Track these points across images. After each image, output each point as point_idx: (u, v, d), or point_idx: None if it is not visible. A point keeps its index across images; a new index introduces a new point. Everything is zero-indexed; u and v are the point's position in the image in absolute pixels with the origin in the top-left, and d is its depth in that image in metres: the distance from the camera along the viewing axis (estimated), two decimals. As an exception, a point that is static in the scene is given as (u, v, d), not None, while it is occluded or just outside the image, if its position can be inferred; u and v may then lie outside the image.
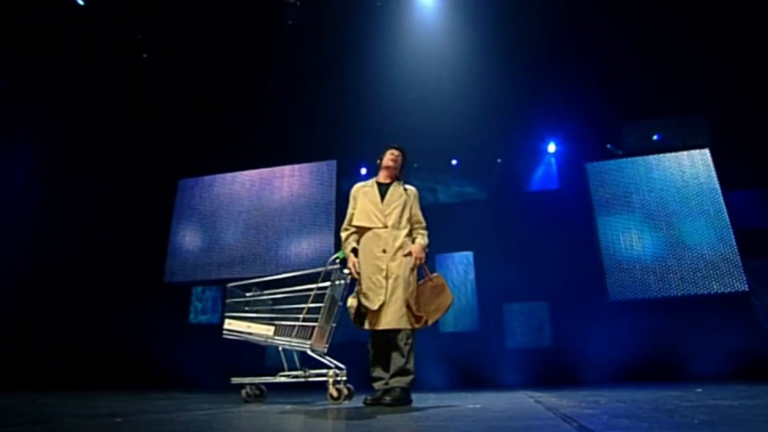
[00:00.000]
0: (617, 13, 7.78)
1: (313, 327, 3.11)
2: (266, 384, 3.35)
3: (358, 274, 3.00)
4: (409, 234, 3.08)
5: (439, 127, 8.58)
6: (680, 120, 8.08)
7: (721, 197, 7.31)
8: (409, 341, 2.86)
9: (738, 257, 7.01)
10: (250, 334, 3.21)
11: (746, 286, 6.91)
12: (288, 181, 7.71)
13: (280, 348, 3.19)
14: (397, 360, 2.84)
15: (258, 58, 7.59)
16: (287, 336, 3.14)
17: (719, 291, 6.99)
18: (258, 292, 3.33)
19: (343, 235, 3.21)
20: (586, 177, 8.09)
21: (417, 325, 2.86)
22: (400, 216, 3.06)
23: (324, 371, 3.06)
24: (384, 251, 2.96)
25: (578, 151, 8.68)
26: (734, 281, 6.96)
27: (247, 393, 3.24)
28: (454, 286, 8.48)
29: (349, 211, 3.24)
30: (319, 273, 3.21)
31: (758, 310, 7.09)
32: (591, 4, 7.74)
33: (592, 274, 7.71)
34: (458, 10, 8.26)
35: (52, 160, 7.36)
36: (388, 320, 2.81)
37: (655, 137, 8.48)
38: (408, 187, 3.23)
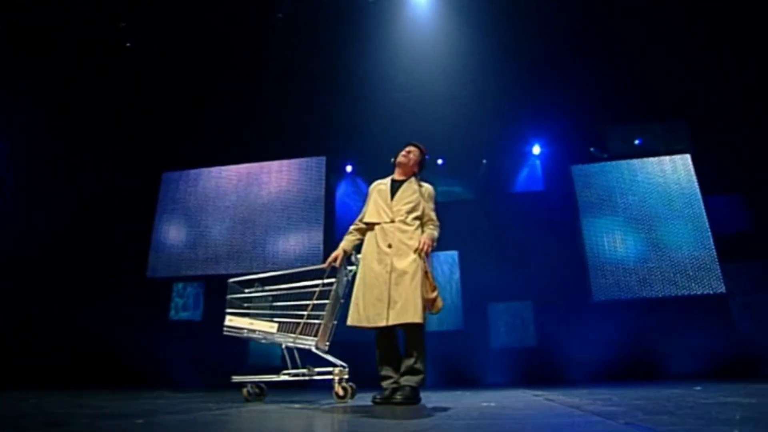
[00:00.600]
0: (604, 18, 7.92)
1: (319, 324, 3.05)
2: (265, 382, 3.27)
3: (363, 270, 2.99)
4: (419, 230, 3.03)
5: (426, 126, 8.57)
6: (662, 125, 8.29)
7: (701, 202, 7.52)
8: (420, 339, 2.82)
9: (716, 260, 7.22)
10: (252, 331, 3.12)
11: (723, 288, 7.12)
12: (276, 177, 7.58)
13: (284, 346, 3.11)
14: (407, 359, 2.82)
15: (248, 51, 7.46)
16: (291, 333, 3.06)
17: (698, 292, 7.19)
18: (259, 288, 3.25)
19: (352, 228, 3.20)
20: (572, 179, 8.21)
21: (433, 295, 2.82)
22: (409, 212, 3.01)
23: (329, 369, 3.00)
24: (390, 246, 2.92)
25: (563, 154, 8.81)
26: (712, 283, 7.17)
27: (248, 392, 3.16)
28: (439, 284, 8.51)
29: (363, 208, 3.23)
30: (323, 269, 3.15)
31: (734, 312, 7.33)
32: (579, 9, 7.86)
33: (575, 274, 7.84)
34: (450, 11, 8.29)
35: (29, 151, 7.07)
36: (393, 316, 2.75)
37: (636, 141, 8.68)
38: (424, 184, 3.18)
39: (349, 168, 8.75)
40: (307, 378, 3.03)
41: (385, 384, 2.88)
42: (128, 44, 7.94)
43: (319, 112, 7.82)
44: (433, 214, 3.11)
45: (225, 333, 3.18)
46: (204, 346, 8.35)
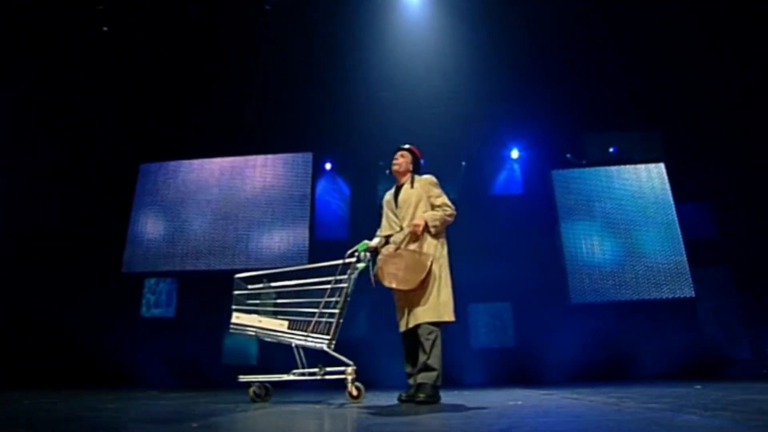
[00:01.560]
0: (587, 29, 8.14)
1: (332, 322, 2.99)
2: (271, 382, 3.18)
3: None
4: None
5: (407, 126, 8.58)
6: (639, 134, 8.60)
7: (674, 209, 7.83)
8: (431, 337, 2.85)
9: (686, 266, 7.53)
10: (260, 329, 3.02)
11: (693, 292, 7.44)
12: (261, 172, 7.40)
13: (294, 344, 3.03)
14: (420, 356, 2.86)
15: (235, 42, 7.25)
16: (302, 331, 2.99)
17: (669, 296, 7.48)
18: (268, 285, 3.15)
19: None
20: (552, 183, 8.38)
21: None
22: (414, 214, 3.05)
23: (342, 368, 2.94)
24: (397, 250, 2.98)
25: (541, 158, 8.99)
26: (683, 288, 7.47)
27: (254, 392, 3.05)
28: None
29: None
30: (333, 266, 3.11)
31: (701, 315, 7.67)
32: (564, 18, 8.05)
33: (554, 277, 8.00)
34: (437, 14, 8.35)
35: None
36: (408, 321, 2.92)
37: (611, 149, 8.96)
38: (419, 178, 3.19)
39: (328, 165, 8.64)
40: (318, 378, 2.95)
41: (408, 381, 2.98)
42: (105, 28, 7.59)
43: (308, 108, 7.70)
44: (441, 201, 3.10)
45: (231, 331, 3.06)
46: (177, 344, 8.12)
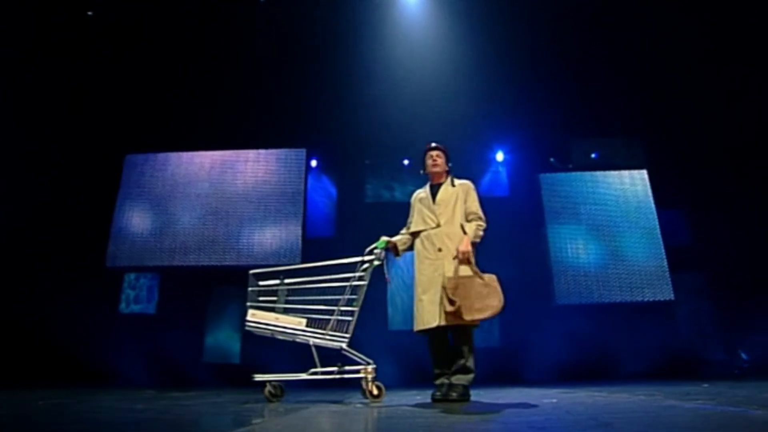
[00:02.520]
0: (576, 36, 8.33)
1: (350, 321, 2.96)
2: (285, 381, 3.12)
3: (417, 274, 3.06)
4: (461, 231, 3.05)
5: (393, 125, 8.60)
6: (622, 141, 8.84)
7: (655, 215, 8.08)
8: (468, 341, 2.90)
9: (667, 270, 7.79)
10: (277, 326, 2.96)
11: (672, 295, 7.70)
12: (252, 167, 7.27)
13: (312, 343, 2.98)
14: (457, 359, 2.89)
15: (229, 33, 7.10)
16: (320, 329, 2.95)
17: (650, 299, 7.72)
18: (285, 281, 3.10)
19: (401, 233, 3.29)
20: (539, 186, 8.53)
21: (449, 308, 2.78)
22: (453, 212, 3.06)
23: (360, 367, 2.92)
24: (440, 249, 2.98)
25: (526, 162, 9.14)
26: (663, 291, 7.73)
27: (270, 391, 2.99)
28: (404, 284, 8.56)
29: (408, 219, 3.33)
30: (351, 264, 3.09)
31: (679, 318, 7.95)
32: (551, 21, 8.22)
33: (539, 278, 8.14)
34: (430, 15, 8.40)
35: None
36: (445, 318, 2.83)
37: (593, 155, 9.19)
38: (459, 181, 3.24)
39: (314, 162, 8.56)
40: (336, 377, 2.92)
41: (438, 382, 2.98)
42: (90, 12, 7.33)
43: (302, 103, 7.61)
44: (475, 206, 3.17)
45: (247, 328, 2.99)
46: (156, 341, 7.92)
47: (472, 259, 2.94)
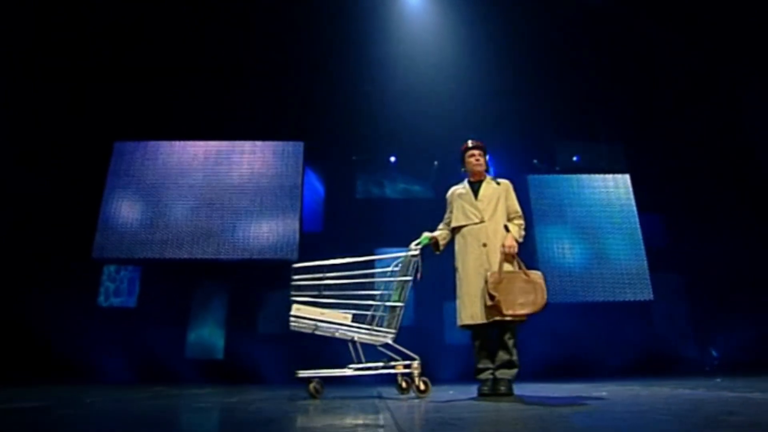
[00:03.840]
0: (565, 42, 8.58)
1: (397, 316, 2.95)
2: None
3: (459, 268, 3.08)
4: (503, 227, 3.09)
5: (382, 121, 8.62)
6: (607, 146, 9.16)
7: (637, 217, 8.42)
8: (514, 335, 2.94)
9: (647, 271, 8.13)
10: (323, 322, 2.90)
11: (652, 296, 8.05)
12: (248, 158, 7.08)
13: (356, 338, 2.95)
14: (502, 354, 2.93)
15: (227, 21, 6.88)
16: (366, 324, 2.92)
17: (632, 299, 8.04)
18: (329, 275, 3.04)
19: (440, 228, 3.34)
20: (527, 187, 8.72)
21: (489, 303, 2.81)
22: (495, 209, 3.09)
23: (408, 362, 2.92)
24: (484, 245, 2.99)
25: (512, 163, 9.32)
26: (643, 291, 8.06)
27: (315, 387, 2.92)
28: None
29: (446, 215, 3.34)
30: (395, 258, 3.09)
31: (656, 318, 8.33)
32: (542, 29, 8.43)
33: (526, 277, 8.31)
34: (423, 16, 8.46)
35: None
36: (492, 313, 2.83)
37: (575, 158, 9.49)
38: (501, 180, 3.25)
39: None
40: (381, 372, 2.90)
41: (482, 376, 2.97)
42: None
43: (300, 95, 7.48)
44: (516, 206, 3.21)
45: (292, 324, 2.91)
46: (138, 336, 7.66)
47: (516, 256, 2.98)
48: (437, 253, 3.27)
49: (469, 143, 3.37)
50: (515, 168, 9.10)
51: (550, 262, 8.23)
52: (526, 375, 7.13)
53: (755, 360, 7.31)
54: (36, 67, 6.49)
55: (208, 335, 8.37)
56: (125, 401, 2.85)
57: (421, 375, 2.90)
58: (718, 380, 3.74)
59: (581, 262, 8.25)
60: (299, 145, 7.31)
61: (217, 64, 7.37)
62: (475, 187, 3.23)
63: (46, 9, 6.51)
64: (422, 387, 2.88)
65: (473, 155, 3.30)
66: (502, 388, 2.83)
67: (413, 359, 2.92)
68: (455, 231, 3.19)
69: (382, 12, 8.16)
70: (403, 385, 3.18)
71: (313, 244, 7.83)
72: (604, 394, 2.74)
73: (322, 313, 2.92)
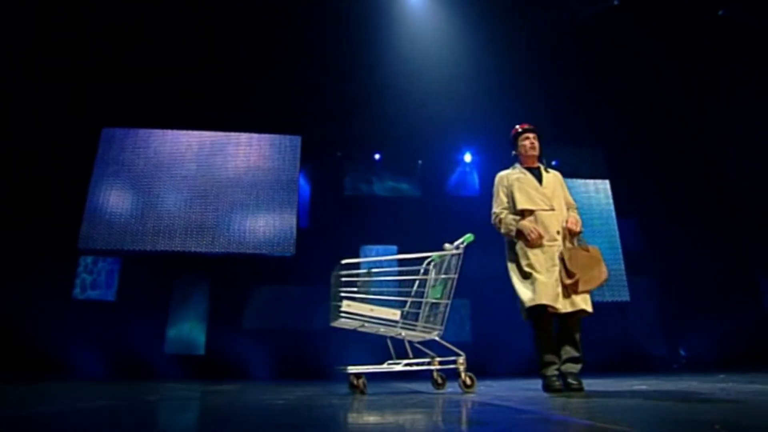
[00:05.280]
0: (549, 53, 8.86)
1: (444, 313, 2.98)
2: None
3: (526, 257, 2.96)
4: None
5: (369, 117, 8.63)
6: (588, 152, 9.51)
7: (615, 221, 8.79)
8: (579, 331, 2.91)
9: (624, 273, 8.51)
10: (372, 318, 2.89)
11: (628, 297, 8.44)
12: (244, 150, 6.88)
13: (404, 335, 2.95)
14: (570, 349, 2.88)
15: (227, 8, 6.67)
16: (412, 322, 2.93)
17: (610, 300, 8.39)
18: (367, 272, 3.04)
19: (500, 212, 3.17)
20: (512, 189, 8.92)
21: (567, 281, 2.80)
22: (560, 198, 3.10)
23: (452, 359, 2.95)
24: (558, 233, 2.96)
25: (495, 164, 9.52)
26: (621, 293, 8.43)
27: (363, 383, 2.90)
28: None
29: (501, 197, 3.20)
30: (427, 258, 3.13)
31: (630, 318, 8.73)
32: (525, 34, 8.68)
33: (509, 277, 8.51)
34: (417, 19, 8.55)
35: None
36: (569, 304, 2.82)
37: (553, 162, 9.80)
38: (552, 171, 3.26)
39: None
40: (434, 368, 2.92)
41: (549, 371, 2.88)
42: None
43: (299, 88, 7.36)
44: (571, 199, 3.21)
45: (343, 318, 2.87)
46: (116, 330, 7.37)
47: (577, 234, 2.99)
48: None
49: (525, 126, 3.29)
50: (498, 170, 9.32)
51: (534, 263, 8.46)
52: (506, 372, 7.38)
53: (720, 359, 7.82)
54: (22, 47, 6.09)
55: (189, 330, 8.16)
56: (185, 399, 2.74)
57: (466, 370, 2.93)
58: (722, 376, 3.98)
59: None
60: (296, 139, 7.18)
61: (211, 56, 7.14)
62: (536, 173, 3.18)
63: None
64: (468, 382, 2.92)
65: (527, 138, 3.24)
66: (575, 383, 2.77)
67: (459, 355, 2.95)
68: (520, 214, 3.07)
69: (383, 15, 8.15)
70: (439, 381, 3.22)
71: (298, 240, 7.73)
72: (644, 387, 2.84)
73: (372, 310, 2.90)
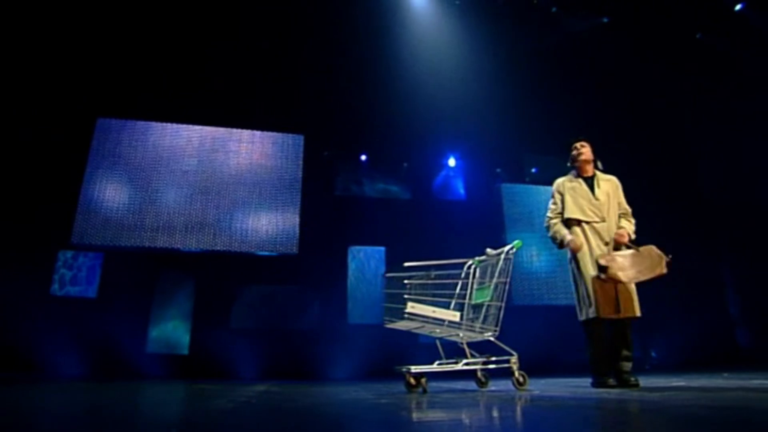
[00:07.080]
0: (534, 60, 9.20)
1: (498, 315, 3.09)
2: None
3: (578, 265, 3.16)
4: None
5: (356, 117, 8.69)
6: (567, 157, 9.90)
7: (594, 229, 9.22)
8: (631, 332, 3.15)
9: (602, 277, 8.93)
10: (435, 319, 2.96)
11: (604, 300, 8.86)
12: (247, 148, 6.73)
13: (461, 335, 3.04)
14: (623, 350, 3.11)
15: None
16: (470, 322, 3.03)
17: (586, 303, 8.79)
18: (426, 275, 3.12)
19: (554, 222, 3.39)
20: (501, 195, 9.22)
21: (604, 276, 2.99)
22: (611, 207, 3.28)
23: (506, 357, 3.07)
24: (606, 243, 3.15)
25: (481, 170, 9.81)
26: (598, 296, 8.85)
27: (426, 381, 2.97)
28: (364, 278, 8.67)
29: (554, 206, 3.43)
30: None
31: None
32: (513, 47, 9.00)
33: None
34: (412, 20, 8.68)
35: None
36: (622, 311, 3.03)
37: (533, 170, 10.20)
38: (609, 177, 3.44)
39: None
40: (482, 367, 3.03)
41: (603, 369, 3.11)
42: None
43: (302, 86, 7.29)
44: (625, 203, 3.38)
45: (404, 321, 2.93)
46: (97, 328, 7.08)
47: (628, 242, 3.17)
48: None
49: (580, 139, 3.54)
50: (484, 176, 9.61)
51: (519, 267, 8.76)
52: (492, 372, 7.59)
53: (686, 360, 8.38)
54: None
55: (173, 329, 7.93)
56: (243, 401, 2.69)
57: (519, 368, 3.06)
58: (725, 375, 4.29)
59: (547, 267, 8.88)
60: (299, 138, 7.11)
61: (213, 50, 6.97)
62: (590, 182, 3.36)
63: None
64: (521, 380, 3.04)
65: (576, 148, 3.49)
66: (632, 379, 2.99)
67: (512, 354, 3.07)
68: (568, 222, 3.30)
69: (378, 15, 8.20)
70: (482, 379, 3.33)
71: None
72: (682, 383, 3.05)
73: (434, 311, 2.97)
